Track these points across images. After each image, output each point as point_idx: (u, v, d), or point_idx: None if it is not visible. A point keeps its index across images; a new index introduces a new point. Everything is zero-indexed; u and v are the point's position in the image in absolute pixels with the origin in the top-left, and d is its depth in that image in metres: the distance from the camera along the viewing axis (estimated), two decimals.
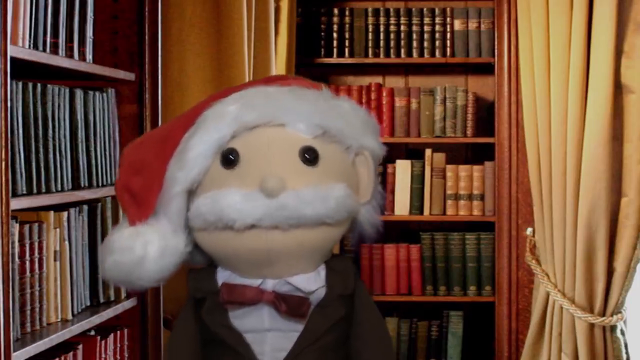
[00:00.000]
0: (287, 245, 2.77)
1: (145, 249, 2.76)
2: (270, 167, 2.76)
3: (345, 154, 2.87)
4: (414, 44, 4.84)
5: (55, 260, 2.85)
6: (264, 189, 2.71)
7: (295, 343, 2.81)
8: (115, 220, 3.23)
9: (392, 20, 4.85)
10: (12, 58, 2.43)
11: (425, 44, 4.84)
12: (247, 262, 2.81)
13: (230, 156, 2.78)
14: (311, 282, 2.82)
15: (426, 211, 4.84)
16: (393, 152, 4.91)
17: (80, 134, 3.00)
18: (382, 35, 4.85)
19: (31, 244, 2.71)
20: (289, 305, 2.78)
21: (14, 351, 2.46)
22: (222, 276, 2.85)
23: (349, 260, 2.97)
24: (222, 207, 2.72)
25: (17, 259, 2.62)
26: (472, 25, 4.84)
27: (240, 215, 2.71)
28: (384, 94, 4.86)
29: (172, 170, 2.79)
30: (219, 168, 2.79)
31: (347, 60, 4.88)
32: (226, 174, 2.78)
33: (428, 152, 4.84)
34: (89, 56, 3.09)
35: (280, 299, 2.79)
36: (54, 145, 2.82)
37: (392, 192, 4.84)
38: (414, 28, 4.84)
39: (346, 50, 4.87)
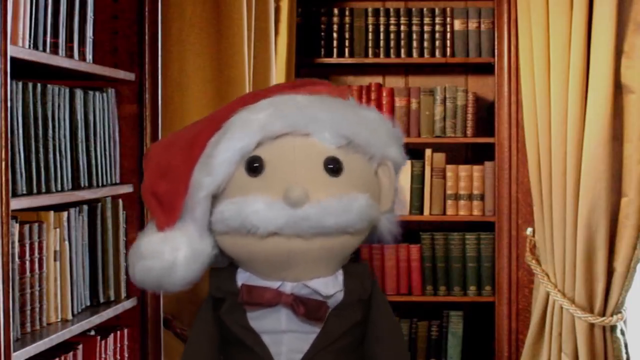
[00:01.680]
0: (307, 251, 2.80)
1: (174, 255, 2.81)
2: (295, 176, 2.79)
3: (369, 163, 2.90)
4: (414, 44, 4.84)
5: (55, 260, 2.85)
6: (287, 199, 2.75)
7: (312, 345, 2.84)
8: (116, 220, 3.23)
9: (392, 20, 4.85)
10: (12, 58, 2.42)
11: (425, 44, 4.84)
12: (268, 264, 2.85)
13: (255, 164, 2.81)
14: (329, 286, 2.85)
15: (426, 211, 4.84)
16: None
17: (80, 134, 3.00)
18: (382, 35, 4.85)
19: (31, 244, 2.70)
20: (308, 308, 2.82)
21: (14, 351, 2.45)
22: (242, 277, 2.90)
23: (366, 265, 3.01)
24: (246, 214, 2.76)
25: (17, 259, 2.61)
26: (472, 25, 4.84)
27: (263, 223, 2.76)
28: (384, 94, 4.86)
29: (198, 176, 2.83)
30: (243, 175, 2.82)
31: (347, 60, 4.88)
32: (250, 182, 2.81)
33: (428, 152, 4.84)
34: (89, 56, 3.09)
35: (298, 302, 2.82)
36: (54, 145, 2.82)
37: None
38: (414, 28, 4.84)
39: (346, 50, 4.87)
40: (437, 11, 4.84)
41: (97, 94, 3.13)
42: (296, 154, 2.82)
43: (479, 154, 4.92)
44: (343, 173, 2.83)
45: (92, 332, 3.11)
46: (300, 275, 2.84)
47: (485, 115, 4.90)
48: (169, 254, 2.81)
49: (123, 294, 3.28)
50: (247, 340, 2.86)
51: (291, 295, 2.83)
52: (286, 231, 2.76)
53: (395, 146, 2.98)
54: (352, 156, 2.86)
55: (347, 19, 4.87)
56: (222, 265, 2.98)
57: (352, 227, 2.80)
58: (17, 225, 2.61)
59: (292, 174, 2.80)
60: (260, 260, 2.84)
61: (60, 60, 2.83)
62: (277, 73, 4.32)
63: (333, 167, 2.82)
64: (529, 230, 4.51)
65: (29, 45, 2.66)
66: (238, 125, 2.84)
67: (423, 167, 4.84)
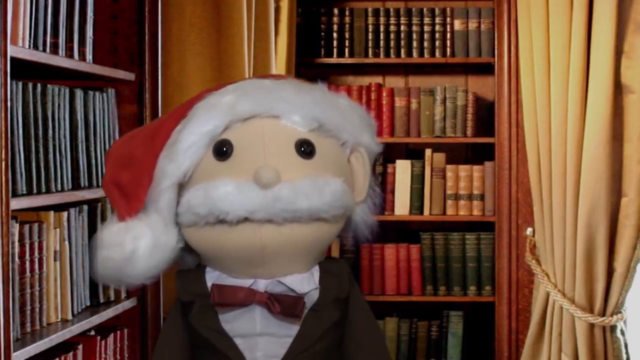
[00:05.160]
0: (281, 242, 2.64)
1: (135, 244, 2.63)
2: (265, 158, 2.64)
3: (341, 149, 2.75)
4: (414, 44, 4.84)
5: (55, 260, 2.85)
6: (258, 179, 2.59)
7: (289, 349, 2.68)
8: None
9: (392, 20, 4.85)
10: (12, 58, 2.43)
11: (425, 44, 4.84)
12: (239, 260, 2.68)
13: (224, 147, 2.66)
14: (304, 283, 2.69)
15: (426, 211, 4.84)
16: (393, 152, 4.91)
17: (80, 134, 3.00)
18: (382, 35, 4.85)
19: (31, 244, 2.71)
20: (283, 305, 2.66)
21: (14, 351, 2.45)
22: (211, 277, 2.73)
23: (344, 263, 2.85)
24: (214, 199, 2.59)
25: (17, 259, 2.62)
26: (472, 25, 4.84)
27: (232, 207, 2.58)
28: (384, 94, 4.86)
29: (162, 163, 2.66)
30: (211, 160, 2.66)
31: (347, 60, 4.88)
32: (219, 166, 2.65)
33: (428, 152, 4.84)
34: (89, 56, 3.09)
35: (273, 300, 2.66)
36: (54, 145, 2.82)
37: (392, 192, 4.84)
38: (414, 28, 4.84)
39: (346, 50, 4.87)
40: (437, 11, 4.84)
41: (97, 94, 3.13)
42: (266, 136, 2.66)
43: (479, 154, 4.93)
44: (315, 156, 2.67)
45: (92, 332, 3.11)
46: (273, 272, 2.68)
47: (485, 115, 4.90)
48: (130, 243, 2.62)
49: (123, 294, 3.28)
50: (219, 344, 2.68)
51: (265, 294, 2.66)
52: (258, 215, 2.59)
53: (368, 133, 2.82)
54: (324, 140, 2.71)
55: (347, 19, 4.87)
56: (190, 267, 2.82)
57: (326, 211, 2.63)
58: (17, 225, 2.61)
59: (262, 156, 2.64)
60: (231, 253, 2.66)
61: (60, 60, 2.83)
62: (277, 73, 4.32)
63: (305, 149, 2.67)
64: (529, 230, 4.51)
65: (29, 45, 2.66)
66: (203, 109, 2.69)
67: (423, 167, 4.84)
